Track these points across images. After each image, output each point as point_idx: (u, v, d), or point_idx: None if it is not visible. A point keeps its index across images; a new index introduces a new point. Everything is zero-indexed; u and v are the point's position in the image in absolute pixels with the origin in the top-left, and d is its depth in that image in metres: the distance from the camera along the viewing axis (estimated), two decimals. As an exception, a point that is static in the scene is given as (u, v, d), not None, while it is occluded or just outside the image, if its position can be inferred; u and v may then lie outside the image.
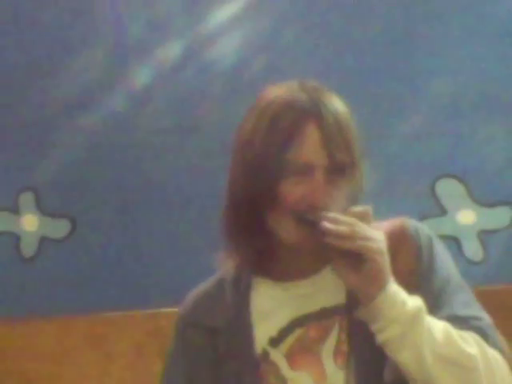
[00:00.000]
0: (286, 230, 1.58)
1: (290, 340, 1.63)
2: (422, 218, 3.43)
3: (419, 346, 1.47)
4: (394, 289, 1.49)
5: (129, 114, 3.69)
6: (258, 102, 1.63)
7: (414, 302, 1.50)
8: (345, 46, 3.60)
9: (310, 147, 1.56)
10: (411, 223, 1.65)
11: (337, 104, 1.63)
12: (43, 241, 3.61)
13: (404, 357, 1.48)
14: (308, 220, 1.52)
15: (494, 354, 1.52)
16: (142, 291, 3.56)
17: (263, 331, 1.64)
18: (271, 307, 1.66)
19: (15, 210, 3.62)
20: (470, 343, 1.50)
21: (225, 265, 1.70)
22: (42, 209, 3.63)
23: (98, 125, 3.69)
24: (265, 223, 1.60)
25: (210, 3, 3.62)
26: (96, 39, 3.68)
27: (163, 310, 3.27)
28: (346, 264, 1.49)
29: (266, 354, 1.63)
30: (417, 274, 1.59)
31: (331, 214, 1.49)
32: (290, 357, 1.63)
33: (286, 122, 1.57)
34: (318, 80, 3.56)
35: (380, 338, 1.49)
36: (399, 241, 1.59)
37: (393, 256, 1.51)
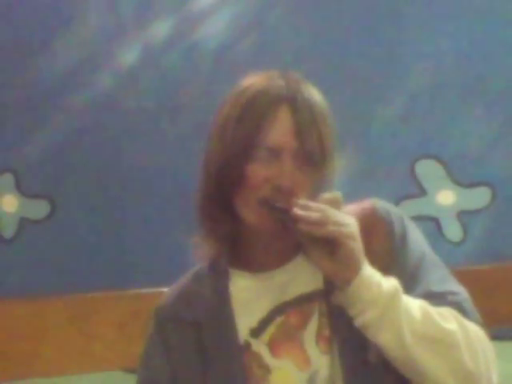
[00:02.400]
0: (250, 214, 1.56)
1: (270, 329, 1.61)
2: (402, 198, 3.48)
3: (398, 327, 1.46)
4: (369, 272, 1.48)
5: (113, 95, 3.71)
6: (236, 88, 1.62)
7: (390, 282, 1.49)
8: (330, 28, 3.64)
9: (279, 131, 1.55)
10: (381, 204, 1.64)
11: (315, 95, 1.60)
12: (23, 222, 3.63)
13: (383, 338, 1.47)
14: (279, 208, 1.51)
15: (473, 327, 1.51)
16: (122, 272, 3.59)
17: (244, 323, 1.62)
18: (250, 299, 1.63)
19: None
20: (448, 319, 1.49)
21: (200, 252, 1.64)
22: (22, 190, 3.64)
23: (81, 106, 3.69)
24: (234, 209, 1.59)
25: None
26: (82, 19, 3.69)
27: (144, 290, 3.30)
28: (319, 250, 1.48)
29: (248, 345, 1.61)
30: (391, 253, 1.57)
31: (302, 201, 1.48)
32: (272, 345, 1.61)
33: (259, 107, 1.56)
34: (302, 61, 3.56)
35: (358, 321, 1.48)
36: (371, 223, 1.58)
37: (366, 238, 1.50)
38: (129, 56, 3.69)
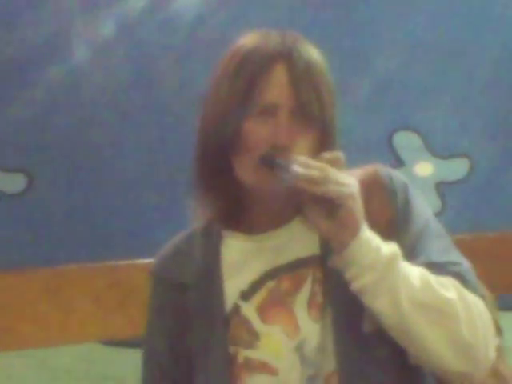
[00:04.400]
0: (249, 174, 1.53)
1: (261, 293, 1.58)
2: None
3: (395, 292, 1.43)
4: (368, 235, 1.45)
5: (87, 69, 3.72)
6: (231, 47, 1.59)
7: (389, 247, 1.45)
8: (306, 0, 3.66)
9: (275, 87, 1.51)
10: (385, 170, 1.58)
11: (312, 52, 1.57)
12: (1, 196, 3.65)
13: (380, 304, 1.44)
14: (278, 164, 1.47)
15: (473, 298, 1.48)
16: (97, 245, 3.61)
17: (234, 285, 1.59)
18: (242, 260, 1.61)
19: None
20: (447, 288, 1.46)
21: (196, 216, 1.62)
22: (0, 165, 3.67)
23: (57, 79, 3.71)
24: (232, 170, 1.56)
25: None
26: None
27: (121, 262, 3.20)
28: (318, 210, 1.44)
29: (237, 308, 1.58)
30: (392, 220, 1.54)
31: (302, 158, 1.45)
32: (262, 310, 1.57)
33: (254, 63, 1.53)
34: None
35: (355, 285, 1.44)
36: (373, 187, 1.54)
37: (366, 203, 1.47)
38: (103, 29, 3.71)
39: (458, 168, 3.65)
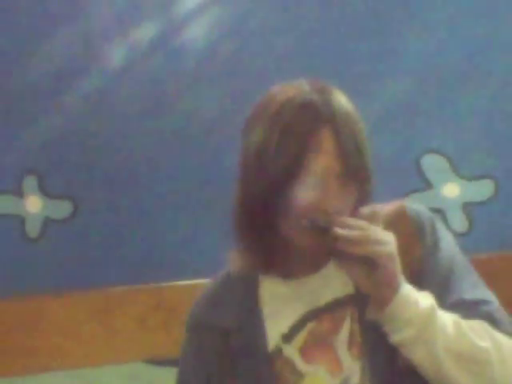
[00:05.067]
0: (299, 236, 1.54)
1: (302, 334, 1.61)
2: (408, 192, 3.52)
3: (433, 345, 1.45)
4: (407, 290, 1.47)
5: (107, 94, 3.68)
6: (268, 104, 1.56)
7: (426, 300, 1.49)
8: (314, 27, 3.59)
9: (324, 154, 1.51)
10: (411, 206, 1.63)
11: (346, 105, 1.57)
12: (47, 222, 3.65)
13: (418, 356, 1.47)
14: (319, 226, 1.48)
15: (506, 341, 1.52)
16: (143, 267, 3.58)
17: (274, 329, 1.62)
18: (281, 305, 1.64)
19: (19, 193, 3.65)
20: (481, 335, 1.49)
21: (235, 262, 1.65)
22: (45, 191, 3.66)
23: (71, 106, 3.66)
24: (277, 227, 1.56)
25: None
26: (71, 20, 3.67)
27: (165, 284, 3.34)
28: (358, 269, 1.47)
29: (279, 350, 1.61)
30: (422, 256, 1.57)
31: (342, 219, 1.47)
32: (304, 351, 1.61)
33: (301, 128, 1.52)
34: (284, 66, 3.56)
35: (394, 338, 1.48)
36: (401, 224, 1.57)
37: (398, 243, 1.48)
38: (115, 58, 3.68)
39: (483, 189, 3.62)
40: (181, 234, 3.57)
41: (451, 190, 3.62)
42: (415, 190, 3.51)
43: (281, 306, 1.62)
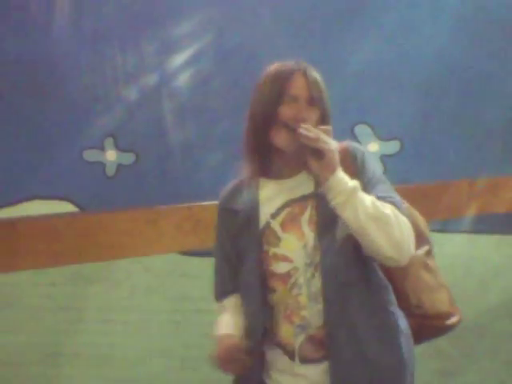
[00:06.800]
0: (281, 138, 1.82)
1: (282, 214, 1.88)
2: None
3: (355, 208, 1.72)
4: (341, 173, 1.73)
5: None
6: (265, 73, 1.90)
7: (353, 182, 1.75)
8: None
9: (297, 86, 1.83)
10: (353, 144, 1.89)
11: (316, 74, 1.88)
12: (119, 167, 4.41)
13: (346, 215, 1.73)
14: (291, 126, 1.77)
15: (401, 215, 1.77)
16: (182, 190, 4.24)
17: (267, 210, 1.90)
18: (271, 195, 1.90)
19: (102, 148, 4.40)
20: (386, 208, 1.77)
21: (243, 171, 1.92)
22: (118, 147, 4.42)
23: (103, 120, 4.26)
24: (270, 143, 1.84)
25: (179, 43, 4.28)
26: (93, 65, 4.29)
27: (195, 203, 3.41)
28: (312, 157, 1.71)
29: (268, 223, 1.88)
30: (355, 173, 1.82)
31: (306, 125, 1.75)
32: (283, 224, 1.87)
33: (284, 74, 1.84)
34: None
35: (332, 203, 1.74)
36: (345, 153, 1.82)
37: (341, 162, 1.75)
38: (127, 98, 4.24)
39: (393, 146, 4.25)
40: (207, 172, 4.19)
41: (373, 147, 4.29)
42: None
43: (271, 197, 1.90)
